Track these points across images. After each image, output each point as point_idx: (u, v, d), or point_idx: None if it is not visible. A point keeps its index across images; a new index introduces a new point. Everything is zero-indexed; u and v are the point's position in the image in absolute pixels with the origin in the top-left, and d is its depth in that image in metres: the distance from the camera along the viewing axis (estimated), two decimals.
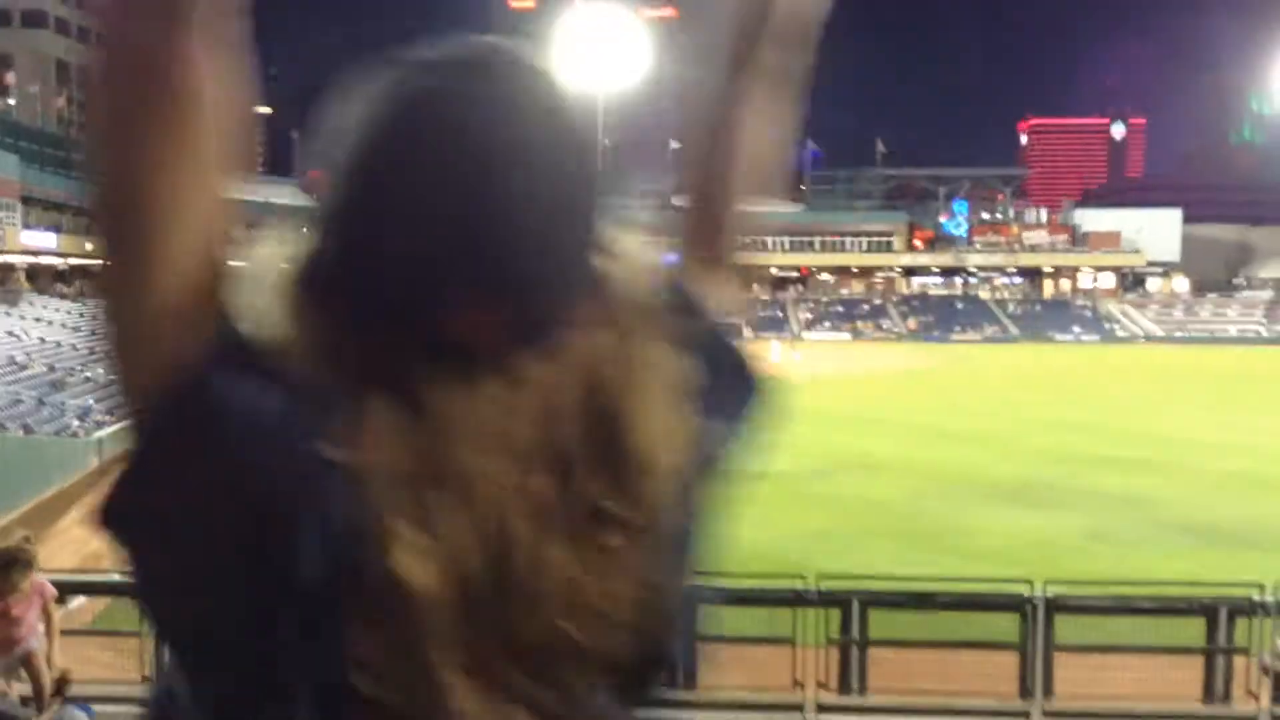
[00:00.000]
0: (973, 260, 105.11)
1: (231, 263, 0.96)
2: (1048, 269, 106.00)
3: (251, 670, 0.90)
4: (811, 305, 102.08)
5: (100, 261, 0.93)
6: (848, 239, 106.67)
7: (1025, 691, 10.43)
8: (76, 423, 33.25)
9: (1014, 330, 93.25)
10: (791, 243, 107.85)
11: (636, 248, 1.06)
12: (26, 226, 62.50)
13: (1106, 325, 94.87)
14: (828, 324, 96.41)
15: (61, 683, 7.14)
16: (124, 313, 0.93)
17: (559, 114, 0.97)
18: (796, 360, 66.02)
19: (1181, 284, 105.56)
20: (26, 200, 63.28)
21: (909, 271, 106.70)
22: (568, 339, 0.96)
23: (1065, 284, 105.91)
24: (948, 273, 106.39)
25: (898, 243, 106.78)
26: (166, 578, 0.93)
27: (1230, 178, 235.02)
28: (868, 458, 30.85)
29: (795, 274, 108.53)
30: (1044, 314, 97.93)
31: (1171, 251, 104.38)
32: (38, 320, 52.01)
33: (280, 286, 0.97)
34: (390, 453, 0.89)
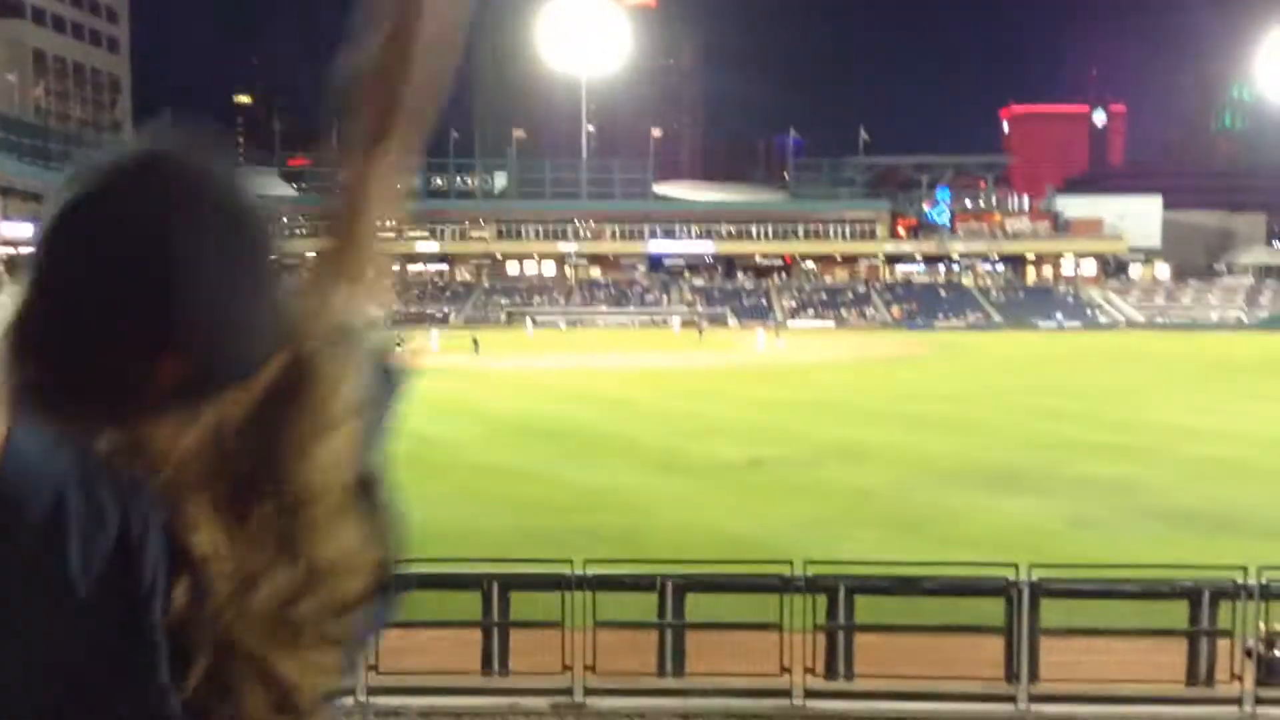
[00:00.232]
0: (956, 247, 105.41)
1: None
2: (1030, 256, 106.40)
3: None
4: (795, 293, 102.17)
5: None
6: (831, 227, 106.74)
7: (1011, 675, 10.49)
8: None
9: (997, 317, 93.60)
10: (775, 230, 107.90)
11: (313, 295, 1.29)
12: (5, 217, 62.01)
13: (1089, 311, 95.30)
14: (811, 312, 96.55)
15: None
16: None
17: (226, 200, 1.18)
18: (780, 348, 66.13)
19: (1163, 270, 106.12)
20: (5, 191, 62.80)
21: (892, 259, 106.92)
22: (257, 371, 1.15)
23: (1048, 271, 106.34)
24: (931, 260, 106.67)
25: (881, 230, 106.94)
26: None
27: (1211, 164, 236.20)
28: (853, 445, 30.92)
29: (779, 262, 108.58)
30: (1027, 301, 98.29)
31: (1153, 238, 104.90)
32: None
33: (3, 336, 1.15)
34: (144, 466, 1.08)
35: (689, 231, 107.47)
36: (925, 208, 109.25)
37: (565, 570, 10.76)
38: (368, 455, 1.31)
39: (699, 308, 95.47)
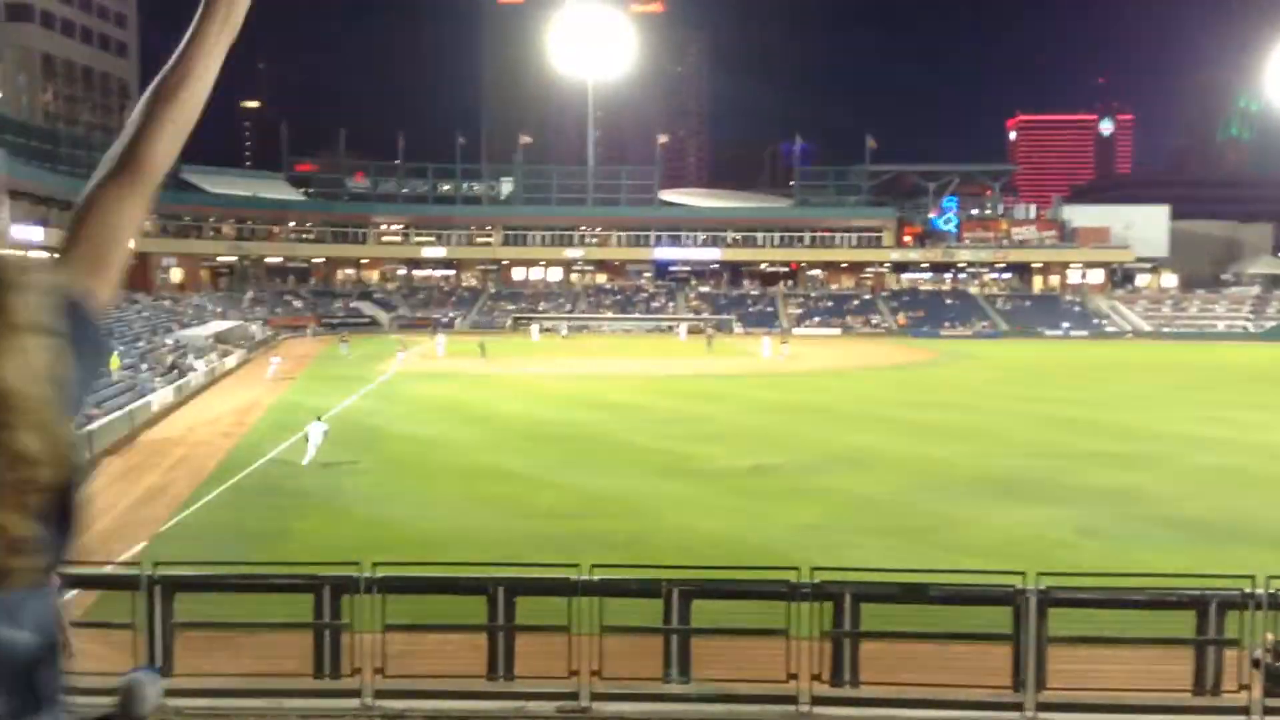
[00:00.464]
0: (962, 256, 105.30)
1: None
2: (1036, 265, 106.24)
3: None
4: (801, 300, 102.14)
5: None
6: (837, 234, 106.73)
7: (1018, 683, 10.47)
8: None
9: (1003, 325, 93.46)
10: (781, 238, 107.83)
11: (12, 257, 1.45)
12: (13, 220, 62.19)
13: (1095, 321, 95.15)
14: (817, 319, 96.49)
15: None
16: None
17: None
18: (784, 355, 66.12)
19: (1170, 280, 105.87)
20: (13, 194, 62.99)
21: (898, 267, 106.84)
22: None
23: (1054, 279, 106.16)
24: (937, 268, 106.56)
25: (887, 238, 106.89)
26: None
27: (1218, 174, 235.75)
28: (859, 453, 30.90)
29: (785, 269, 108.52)
30: (1033, 309, 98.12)
31: (1160, 247, 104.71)
32: None
33: None
34: None
35: (695, 239, 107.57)
36: (932, 216, 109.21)
37: (572, 575, 10.78)
38: (64, 387, 1.42)
39: (706, 315, 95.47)
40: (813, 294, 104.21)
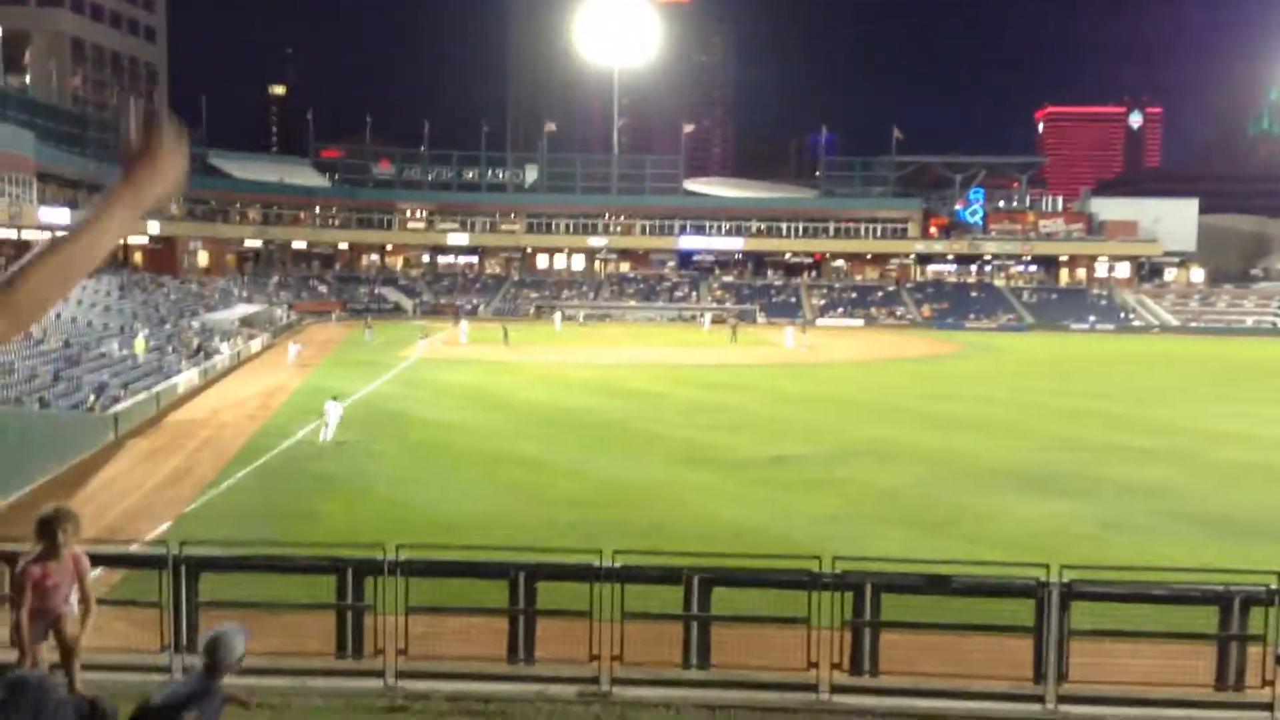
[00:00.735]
0: (988, 248, 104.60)
1: None
2: (1063, 257, 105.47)
3: None
4: (825, 291, 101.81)
5: None
6: (863, 225, 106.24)
7: (1039, 676, 10.45)
8: (93, 397, 33.42)
9: (1029, 318, 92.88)
10: (806, 228, 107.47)
11: None
12: (42, 203, 62.69)
13: (1122, 315, 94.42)
14: (841, 310, 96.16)
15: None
16: None
17: None
18: (805, 346, 65.95)
19: (1198, 274, 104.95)
20: (42, 177, 63.47)
21: (923, 259, 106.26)
22: None
23: (1081, 273, 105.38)
24: (963, 260, 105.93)
25: (913, 229, 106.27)
26: None
27: (1248, 168, 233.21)
28: (881, 444, 30.83)
29: (809, 259, 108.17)
30: (1059, 302, 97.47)
31: (1188, 241, 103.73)
32: None
33: None
34: None
35: (719, 228, 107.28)
36: (958, 207, 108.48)
37: (594, 561, 10.81)
38: None
39: (728, 305, 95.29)
40: (836, 285, 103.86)
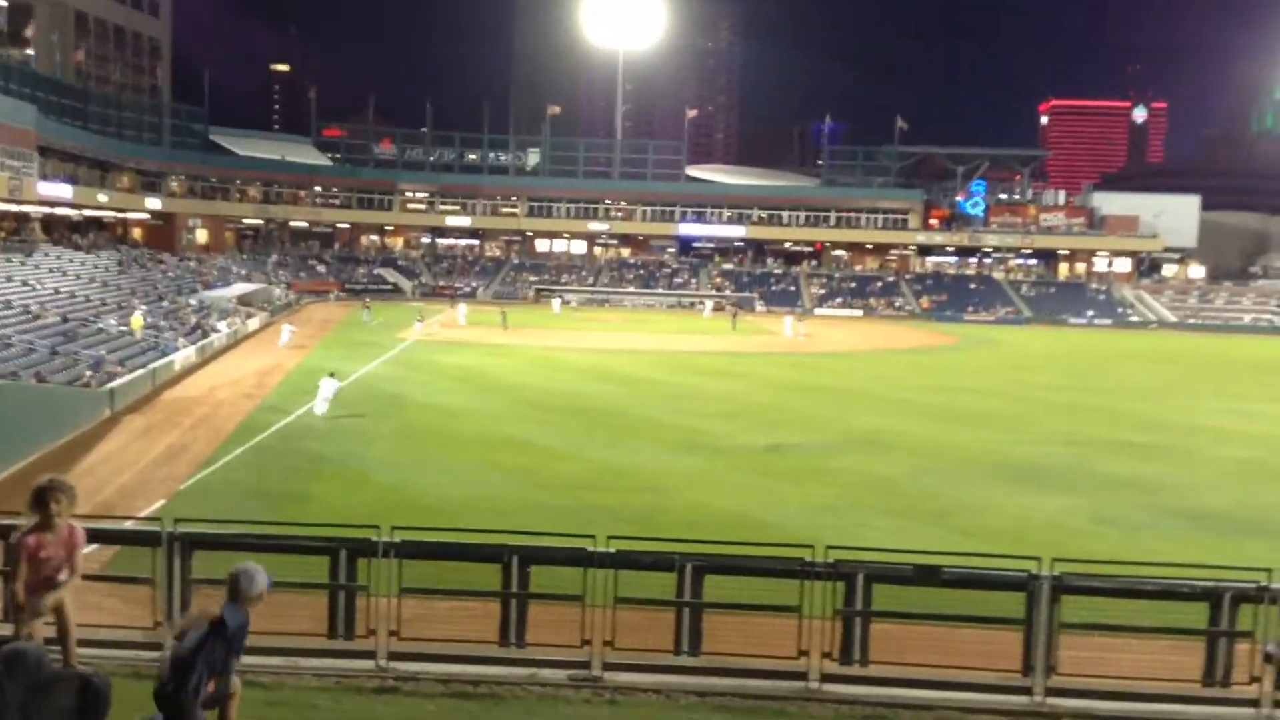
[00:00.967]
0: (988, 240, 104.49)
1: None
2: (1063, 251, 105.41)
3: None
4: (824, 280, 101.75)
5: None
6: (863, 215, 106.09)
7: (1028, 668, 10.49)
8: (89, 373, 33.42)
9: (1027, 312, 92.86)
10: (807, 217, 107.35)
11: None
12: (43, 177, 62.52)
13: (1120, 310, 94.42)
14: (840, 300, 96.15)
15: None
16: None
17: None
18: (802, 335, 65.93)
19: (1197, 271, 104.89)
20: (43, 151, 63.27)
21: (924, 250, 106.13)
22: None
23: (1080, 267, 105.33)
24: (962, 252, 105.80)
25: (913, 220, 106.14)
26: None
27: (1250, 165, 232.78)
28: (876, 435, 30.88)
29: (809, 248, 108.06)
30: (1058, 296, 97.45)
31: (1189, 238, 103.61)
32: (52, 271, 52.17)
33: None
34: None
35: (720, 215, 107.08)
36: (959, 199, 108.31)
37: (587, 546, 10.83)
38: None
39: (728, 292, 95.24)
40: (836, 274, 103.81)
